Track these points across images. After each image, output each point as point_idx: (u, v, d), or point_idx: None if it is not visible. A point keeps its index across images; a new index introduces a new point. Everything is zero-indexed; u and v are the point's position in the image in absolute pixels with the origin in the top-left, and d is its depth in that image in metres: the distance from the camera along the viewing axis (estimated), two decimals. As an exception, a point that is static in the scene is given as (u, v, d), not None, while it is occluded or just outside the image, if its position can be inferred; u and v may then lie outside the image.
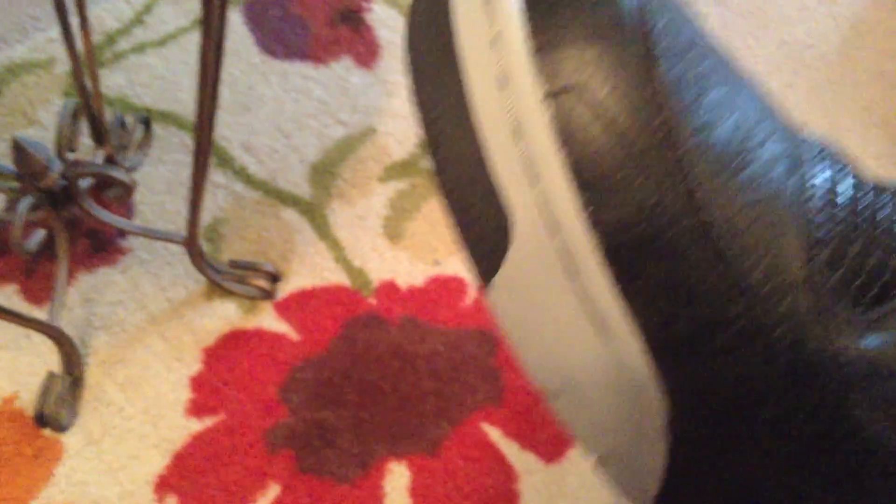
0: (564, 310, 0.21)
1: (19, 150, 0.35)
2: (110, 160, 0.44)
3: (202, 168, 0.33)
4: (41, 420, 0.38)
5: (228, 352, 0.41)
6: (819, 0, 0.54)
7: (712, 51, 0.23)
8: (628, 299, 0.20)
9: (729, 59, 0.23)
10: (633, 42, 0.20)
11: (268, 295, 0.42)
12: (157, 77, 0.49)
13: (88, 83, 0.41)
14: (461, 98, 0.21)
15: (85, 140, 0.43)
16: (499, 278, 0.21)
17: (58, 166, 0.36)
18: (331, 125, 0.48)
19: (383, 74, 0.50)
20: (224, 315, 0.42)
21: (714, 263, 0.20)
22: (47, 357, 0.40)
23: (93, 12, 0.50)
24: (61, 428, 0.39)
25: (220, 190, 0.45)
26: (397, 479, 0.38)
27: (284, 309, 0.42)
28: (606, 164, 0.20)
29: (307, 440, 0.39)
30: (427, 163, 0.47)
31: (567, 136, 0.20)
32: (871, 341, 0.20)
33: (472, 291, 0.43)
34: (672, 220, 0.20)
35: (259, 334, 0.42)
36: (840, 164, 0.23)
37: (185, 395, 0.40)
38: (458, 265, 0.44)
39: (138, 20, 0.50)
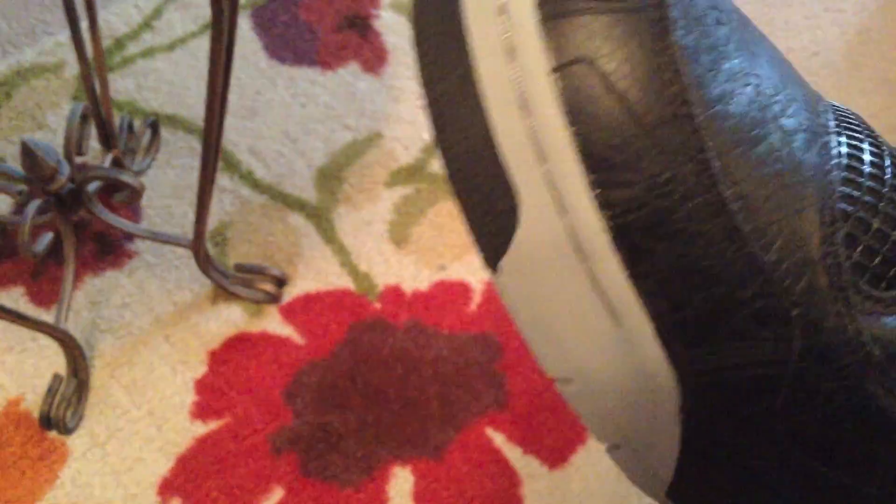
0: (573, 293, 0.20)
1: (28, 154, 0.35)
2: (118, 164, 0.44)
3: (210, 172, 0.33)
4: (47, 422, 0.38)
5: (234, 355, 0.41)
6: (825, 8, 0.54)
7: (731, 15, 0.21)
8: (639, 281, 0.19)
9: (748, 23, 0.22)
10: (646, 7, 0.19)
11: (273, 299, 0.42)
12: (166, 81, 0.49)
13: (97, 87, 0.41)
14: (467, 71, 0.20)
15: (93, 144, 0.43)
16: (506, 262, 0.21)
17: (66, 170, 0.36)
18: (337, 130, 0.48)
19: (390, 80, 0.50)
20: (230, 318, 0.42)
21: (729, 241, 0.19)
22: (53, 359, 0.40)
23: (102, 17, 0.50)
24: (67, 430, 0.39)
25: (227, 194, 0.45)
26: (401, 484, 0.39)
27: (290, 313, 0.42)
28: (617, 139, 0.19)
29: (311, 444, 0.39)
30: (434, 167, 0.47)
31: (576, 111, 0.19)
32: (893, 321, 0.20)
33: (477, 297, 0.43)
34: (685, 195, 0.19)
35: (264, 338, 0.42)
36: (863, 134, 0.22)
37: (190, 398, 0.40)
38: (463, 270, 0.44)
39: (147, 25, 0.51)
